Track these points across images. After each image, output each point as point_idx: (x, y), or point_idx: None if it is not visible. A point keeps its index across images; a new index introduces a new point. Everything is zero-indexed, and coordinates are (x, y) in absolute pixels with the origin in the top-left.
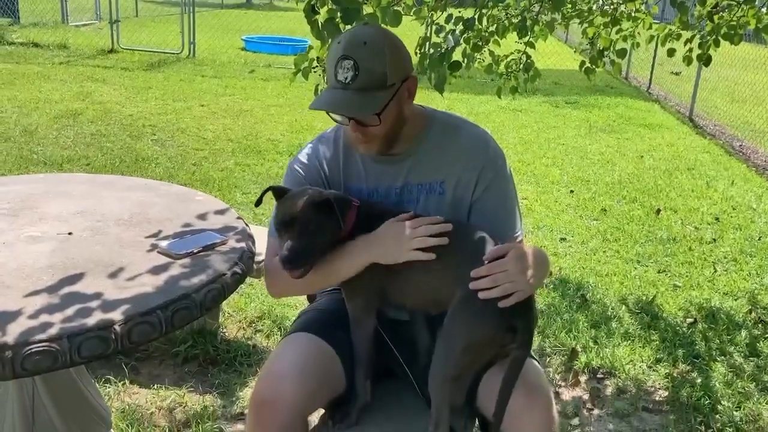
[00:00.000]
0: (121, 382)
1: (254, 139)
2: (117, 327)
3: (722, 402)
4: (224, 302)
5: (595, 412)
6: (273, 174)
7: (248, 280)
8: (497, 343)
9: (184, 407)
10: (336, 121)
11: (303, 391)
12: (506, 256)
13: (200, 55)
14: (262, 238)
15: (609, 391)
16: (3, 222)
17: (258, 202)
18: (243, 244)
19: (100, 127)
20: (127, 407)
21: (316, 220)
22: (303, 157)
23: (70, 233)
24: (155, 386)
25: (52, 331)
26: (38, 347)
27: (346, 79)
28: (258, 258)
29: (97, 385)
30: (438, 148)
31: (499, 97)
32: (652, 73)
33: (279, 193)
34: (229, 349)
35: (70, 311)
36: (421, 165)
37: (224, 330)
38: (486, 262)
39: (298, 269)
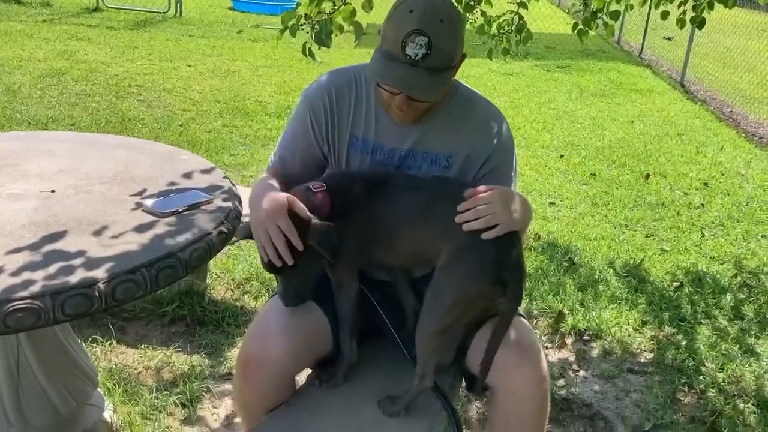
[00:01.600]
0: (108, 342)
1: (242, 100)
2: (101, 285)
3: (706, 364)
4: (212, 263)
5: (581, 373)
6: (261, 135)
7: (236, 242)
8: (487, 297)
9: (171, 367)
10: (383, 88)
11: (289, 350)
12: (490, 192)
13: (187, 15)
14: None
15: (595, 353)
16: None
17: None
18: (229, 204)
19: (85, 87)
20: (114, 367)
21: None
22: (314, 94)
23: (52, 191)
24: (142, 346)
25: (35, 288)
26: (21, 304)
27: (416, 56)
28: (246, 219)
29: (83, 345)
30: (452, 120)
31: (491, 59)
32: (644, 38)
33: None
34: (217, 310)
35: (52, 269)
36: (432, 134)
37: (212, 291)
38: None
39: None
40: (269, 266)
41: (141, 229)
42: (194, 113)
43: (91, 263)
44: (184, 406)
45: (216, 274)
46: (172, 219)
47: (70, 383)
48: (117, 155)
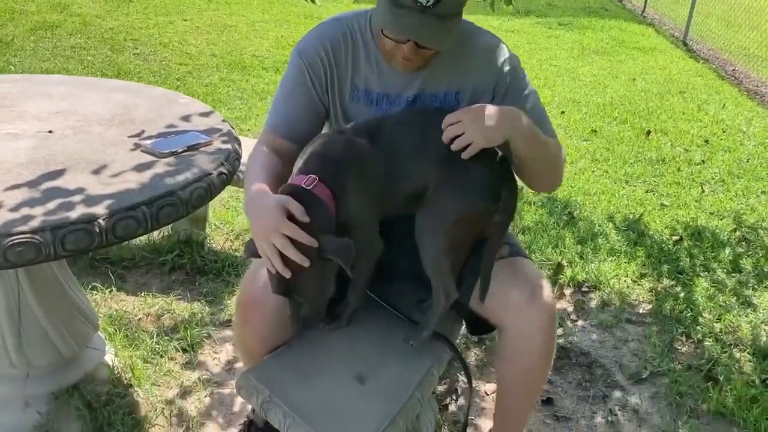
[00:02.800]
0: (108, 290)
1: (239, 54)
2: (101, 221)
3: (704, 314)
4: (211, 214)
5: (579, 323)
6: (258, 90)
7: (236, 193)
8: (486, 211)
9: (171, 314)
10: (388, 37)
11: None
12: (457, 113)
13: None
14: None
15: (593, 303)
16: None
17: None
18: (229, 146)
19: (80, 40)
20: (114, 313)
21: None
22: (309, 49)
23: (50, 131)
24: (142, 294)
25: (35, 223)
26: (21, 238)
27: (427, 1)
28: (245, 168)
29: (83, 290)
30: (452, 57)
31: (493, 9)
32: None
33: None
34: (217, 259)
35: (52, 205)
36: (436, 75)
37: (211, 241)
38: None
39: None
40: (278, 284)
41: (140, 168)
42: (191, 67)
43: (91, 200)
44: (185, 351)
45: (215, 225)
46: (171, 159)
47: (70, 325)
48: (115, 98)
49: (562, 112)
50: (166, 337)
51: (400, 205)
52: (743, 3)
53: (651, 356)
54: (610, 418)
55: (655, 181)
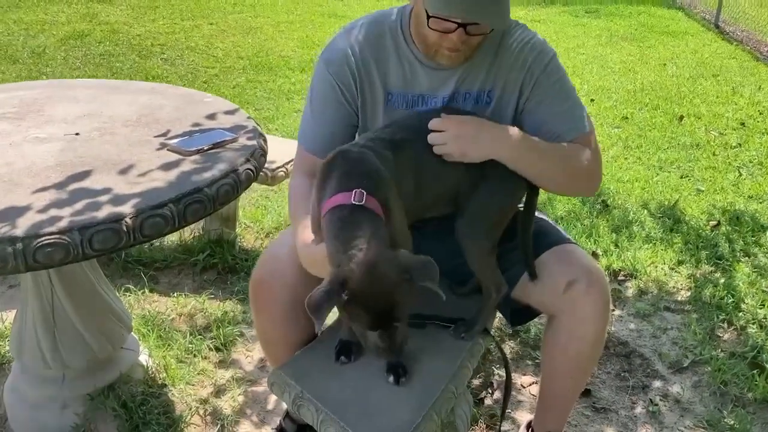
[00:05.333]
0: (141, 291)
1: (265, 55)
2: (128, 220)
3: (746, 300)
4: (241, 214)
5: (616, 312)
6: (285, 90)
7: (264, 192)
8: (520, 199)
9: (204, 313)
10: (432, 27)
11: (299, 273)
12: (441, 122)
13: None
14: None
15: (630, 292)
16: (9, 125)
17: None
18: (254, 142)
19: (109, 48)
20: (148, 314)
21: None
22: (336, 60)
23: (77, 134)
24: (175, 294)
25: (62, 224)
26: (49, 239)
27: None
28: (273, 166)
29: (117, 292)
30: (487, 53)
31: None
32: None
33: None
34: (248, 258)
35: (79, 205)
36: (471, 72)
37: (242, 240)
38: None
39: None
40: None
41: (166, 167)
42: (218, 70)
43: (118, 200)
44: (218, 350)
45: (245, 224)
46: (197, 157)
47: (104, 326)
48: (140, 99)
49: (592, 100)
50: (199, 336)
51: (430, 208)
52: None
53: (691, 344)
54: (651, 408)
55: (689, 167)
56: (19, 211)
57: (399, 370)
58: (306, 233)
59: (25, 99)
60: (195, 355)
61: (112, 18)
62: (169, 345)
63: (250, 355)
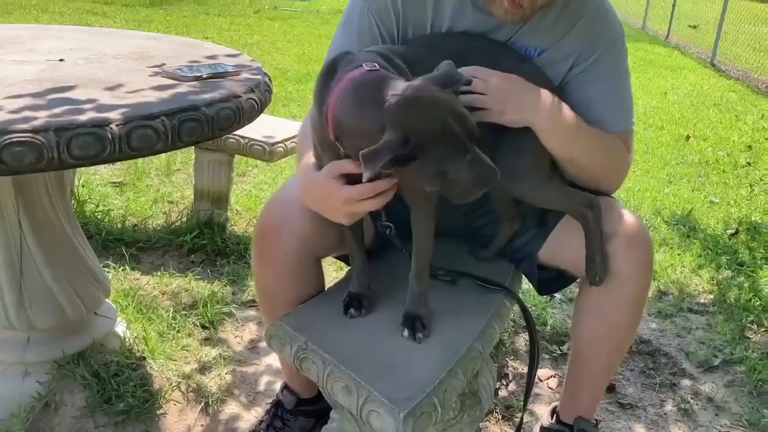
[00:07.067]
0: (122, 269)
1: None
2: (114, 126)
3: None
4: (233, 201)
5: None
6: (281, 97)
7: (258, 178)
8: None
9: (189, 292)
10: None
11: (310, 220)
12: (487, 72)
13: None
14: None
15: (650, 293)
16: None
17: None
18: (259, 77)
19: None
20: (129, 288)
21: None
22: None
23: (61, 59)
24: (158, 273)
25: (37, 123)
26: (20, 137)
27: None
28: (272, 141)
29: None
30: (558, 14)
31: None
32: (670, 24)
33: None
34: (239, 241)
35: (58, 110)
36: (532, 26)
37: (233, 225)
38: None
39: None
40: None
41: (161, 87)
42: None
43: (104, 108)
44: (204, 327)
45: (237, 210)
46: (195, 83)
47: (79, 285)
48: (133, 42)
49: None
50: (183, 312)
51: None
52: None
53: (720, 344)
54: (683, 406)
55: (700, 181)
56: None
57: (417, 323)
58: (309, 157)
59: (6, 36)
60: (178, 331)
61: None
62: (150, 319)
63: (239, 335)
